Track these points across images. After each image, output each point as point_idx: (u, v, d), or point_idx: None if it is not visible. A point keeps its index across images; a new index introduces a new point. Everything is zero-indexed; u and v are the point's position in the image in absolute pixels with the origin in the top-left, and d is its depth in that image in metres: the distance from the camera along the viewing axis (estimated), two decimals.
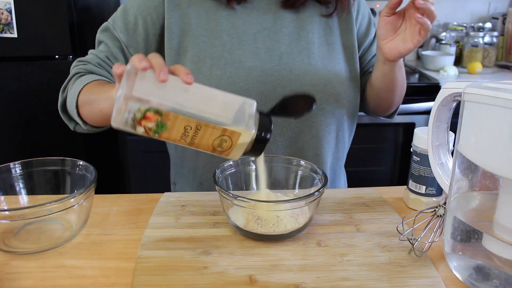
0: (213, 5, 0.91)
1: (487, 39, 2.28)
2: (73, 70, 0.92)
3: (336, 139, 0.98)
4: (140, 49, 0.92)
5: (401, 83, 0.95)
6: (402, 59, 0.89)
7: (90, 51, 0.94)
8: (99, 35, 0.94)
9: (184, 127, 0.59)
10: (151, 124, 0.58)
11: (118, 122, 0.58)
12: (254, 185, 0.81)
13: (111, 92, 0.73)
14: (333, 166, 1.01)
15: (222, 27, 0.90)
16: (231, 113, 0.60)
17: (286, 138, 0.93)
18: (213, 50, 0.89)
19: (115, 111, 0.57)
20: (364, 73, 1.04)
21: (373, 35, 1.03)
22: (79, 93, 0.85)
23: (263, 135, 0.62)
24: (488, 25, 2.37)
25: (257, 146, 0.63)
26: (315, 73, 0.92)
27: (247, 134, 0.61)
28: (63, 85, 0.92)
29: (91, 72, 0.90)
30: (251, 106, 0.62)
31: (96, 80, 0.86)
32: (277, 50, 0.91)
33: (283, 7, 0.93)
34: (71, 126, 0.93)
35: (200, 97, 0.60)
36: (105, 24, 0.94)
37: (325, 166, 0.98)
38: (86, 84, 0.85)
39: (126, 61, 0.92)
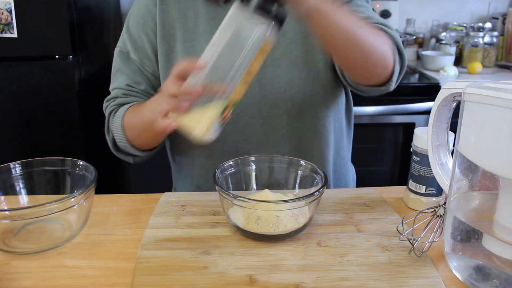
0: (202, 7, 0.91)
1: (487, 39, 2.28)
2: (107, 110, 0.95)
3: (334, 132, 0.98)
4: (153, 63, 0.93)
5: (350, 36, 0.74)
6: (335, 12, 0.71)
7: (112, 86, 0.97)
8: (116, 62, 0.96)
9: (244, 83, 0.71)
10: (231, 110, 0.72)
11: (212, 135, 0.71)
12: (254, 185, 0.81)
13: (152, 105, 0.81)
14: (336, 160, 1.02)
15: (209, 30, 0.90)
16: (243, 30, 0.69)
17: (278, 135, 0.93)
18: (201, 53, 0.89)
19: (210, 131, 0.70)
20: None
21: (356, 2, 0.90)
22: (122, 127, 0.89)
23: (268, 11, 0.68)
24: (488, 25, 2.37)
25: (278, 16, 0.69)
26: (303, 67, 0.91)
27: (267, 26, 0.68)
28: (105, 127, 0.95)
29: (122, 104, 0.93)
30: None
31: (130, 107, 0.90)
32: None
33: None
34: (130, 160, 0.96)
35: (221, 58, 0.70)
36: (117, 49, 0.96)
37: (328, 165, 0.99)
38: (124, 116, 0.89)
39: (146, 78, 0.94)
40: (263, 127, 0.92)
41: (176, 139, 0.98)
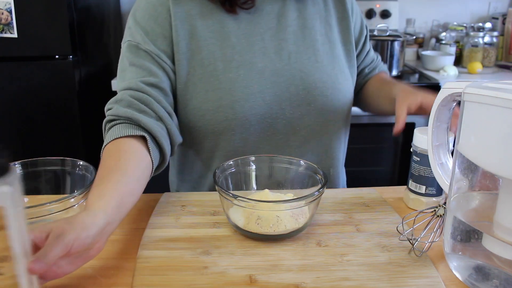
0: (217, 6, 0.89)
1: (487, 39, 2.28)
2: (106, 117, 0.82)
3: (344, 136, 1.02)
4: (169, 52, 0.86)
5: None
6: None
7: (120, 85, 0.85)
8: (126, 57, 0.87)
9: None
10: None
11: None
12: (254, 185, 0.81)
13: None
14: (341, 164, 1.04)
15: (228, 29, 0.89)
16: None
17: (299, 137, 0.93)
18: (222, 52, 0.88)
19: None
20: (360, 72, 1.06)
21: (366, 33, 1.06)
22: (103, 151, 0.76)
23: None
24: (488, 25, 2.37)
25: None
26: (323, 71, 0.92)
27: None
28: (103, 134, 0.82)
29: (120, 116, 0.79)
30: None
31: (105, 148, 0.75)
32: (285, 49, 0.91)
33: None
34: None
35: None
36: (125, 44, 0.88)
37: (339, 163, 1.01)
38: (103, 149, 0.76)
39: (162, 69, 0.86)
40: (285, 128, 0.92)
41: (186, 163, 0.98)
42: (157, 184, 1.24)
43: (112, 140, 0.75)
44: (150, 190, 0.88)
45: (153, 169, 0.78)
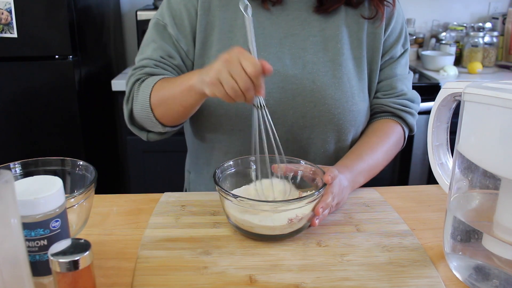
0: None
1: (487, 39, 2.28)
2: (131, 79, 0.89)
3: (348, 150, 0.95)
4: (189, 42, 0.90)
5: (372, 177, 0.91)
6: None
7: (140, 57, 0.91)
8: (151, 33, 0.91)
9: None
10: None
11: None
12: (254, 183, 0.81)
13: (190, 81, 0.76)
14: None
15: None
16: None
17: (298, 147, 0.91)
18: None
19: None
20: (372, 94, 0.97)
21: (398, 53, 0.96)
22: (150, 96, 0.83)
23: None
24: (488, 25, 2.37)
25: None
26: (338, 87, 0.89)
27: None
28: (125, 97, 0.89)
29: (152, 75, 0.87)
30: None
31: (162, 78, 0.84)
32: (302, 58, 0.89)
33: (315, 11, 0.90)
34: (143, 136, 0.91)
35: None
36: (153, 20, 0.92)
37: None
38: (154, 85, 0.84)
39: (179, 55, 0.90)
40: (285, 135, 0.89)
41: (202, 128, 0.95)
42: (157, 184, 1.24)
43: (158, 81, 0.84)
44: (150, 190, 0.88)
45: None
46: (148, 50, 0.90)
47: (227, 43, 0.88)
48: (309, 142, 0.91)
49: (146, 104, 0.84)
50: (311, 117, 0.89)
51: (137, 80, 0.88)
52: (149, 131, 0.90)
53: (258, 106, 0.72)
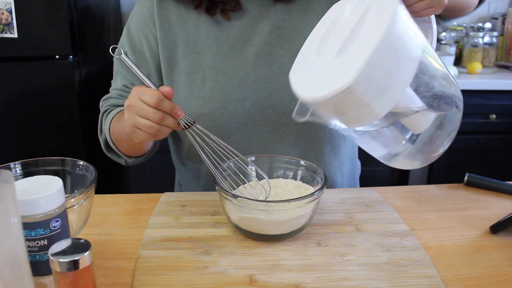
0: (203, 14, 0.89)
1: (486, 39, 2.28)
2: (101, 110, 0.94)
3: (337, 135, 0.96)
4: (149, 66, 0.91)
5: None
6: None
7: (112, 87, 0.96)
8: (115, 62, 0.95)
9: None
10: None
11: None
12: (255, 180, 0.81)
13: (125, 128, 0.76)
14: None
15: (212, 36, 0.89)
16: None
17: (286, 143, 0.91)
18: (205, 60, 0.88)
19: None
20: None
21: None
22: (109, 130, 0.88)
23: None
24: (488, 25, 2.37)
25: None
26: None
27: None
28: (98, 127, 0.94)
29: (116, 105, 0.92)
30: None
31: (117, 113, 0.88)
32: (269, 54, 0.89)
33: (275, 2, 0.89)
34: (122, 162, 0.94)
35: None
36: (117, 50, 0.94)
37: (333, 165, 0.96)
38: (112, 119, 0.88)
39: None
40: (270, 135, 0.90)
41: (182, 144, 0.97)
42: (157, 184, 1.24)
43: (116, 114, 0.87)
44: (150, 190, 0.88)
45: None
46: (116, 80, 0.95)
47: (195, 57, 0.89)
48: (296, 135, 0.91)
49: (109, 138, 0.89)
50: (291, 111, 0.89)
51: (104, 112, 0.92)
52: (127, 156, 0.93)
53: (185, 127, 0.72)
